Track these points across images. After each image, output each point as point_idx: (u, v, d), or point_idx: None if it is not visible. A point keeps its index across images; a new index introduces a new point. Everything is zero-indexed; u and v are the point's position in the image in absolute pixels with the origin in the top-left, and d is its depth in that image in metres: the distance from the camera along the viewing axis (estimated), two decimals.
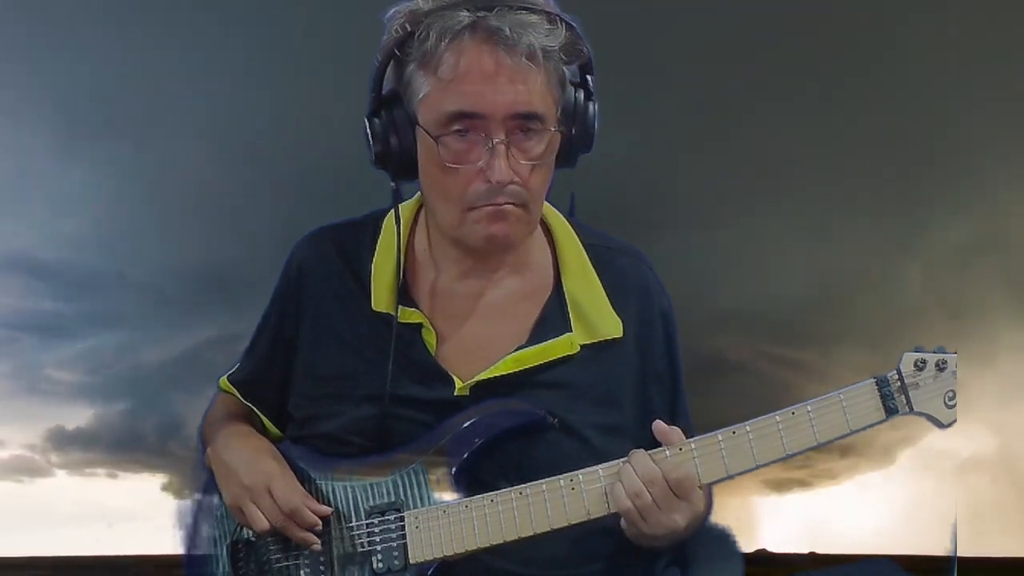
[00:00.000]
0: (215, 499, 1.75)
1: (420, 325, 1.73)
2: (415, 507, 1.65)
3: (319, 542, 1.66)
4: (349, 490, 1.68)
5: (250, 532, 1.71)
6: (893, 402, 1.57)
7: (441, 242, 1.75)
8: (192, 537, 1.80)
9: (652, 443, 1.61)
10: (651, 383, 1.76)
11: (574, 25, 1.64)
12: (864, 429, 1.59)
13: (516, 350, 1.71)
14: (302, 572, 1.67)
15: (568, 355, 1.71)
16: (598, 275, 1.77)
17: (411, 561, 1.63)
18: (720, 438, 1.60)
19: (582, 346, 1.72)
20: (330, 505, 1.68)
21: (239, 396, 1.86)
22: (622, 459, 1.60)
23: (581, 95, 1.69)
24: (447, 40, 1.60)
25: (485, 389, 1.69)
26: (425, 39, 1.61)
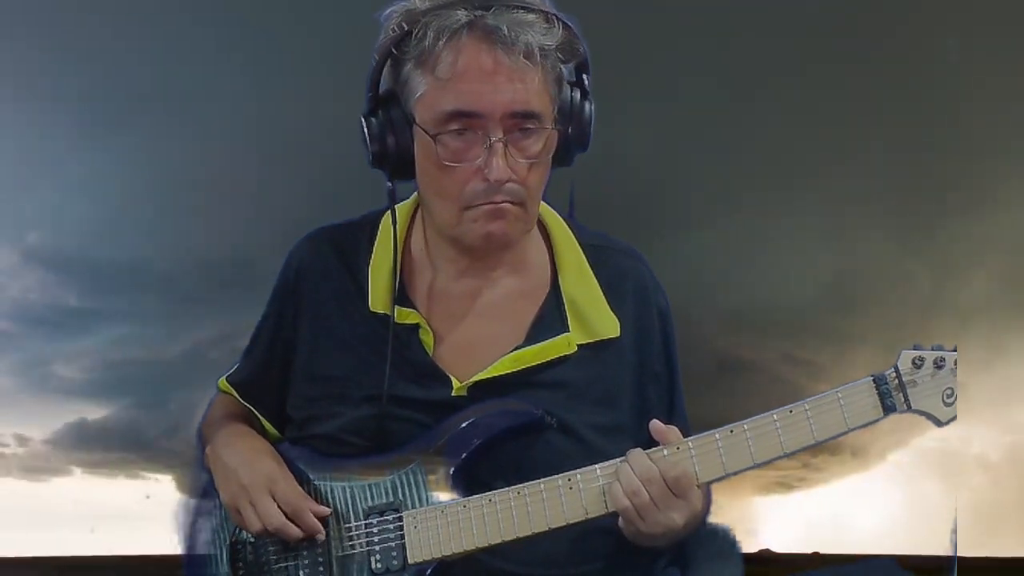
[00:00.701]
0: (215, 500, 1.75)
1: (417, 325, 1.73)
2: (413, 507, 1.65)
3: (318, 543, 1.66)
4: (347, 490, 1.68)
5: (249, 533, 1.71)
6: (891, 400, 1.57)
7: (438, 242, 1.75)
8: (192, 537, 1.80)
9: (650, 442, 1.61)
10: (649, 382, 1.76)
11: (570, 25, 1.65)
12: (862, 427, 1.59)
13: (513, 350, 1.71)
14: (301, 572, 1.67)
15: (565, 355, 1.71)
16: (595, 275, 1.77)
17: (409, 561, 1.63)
18: (718, 437, 1.59)
19: (579, 346, 1.72)
20: (329, 506, 1.67)
21: (238, 397, 1.86)
22: (620, 458, 1.60)
23: (578, 94, 1.69)
24: (445, 39, 1.60)
25: (483, 389, 1.69)
26: (423, 38, 1.61)
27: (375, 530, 1.65)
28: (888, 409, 1.57)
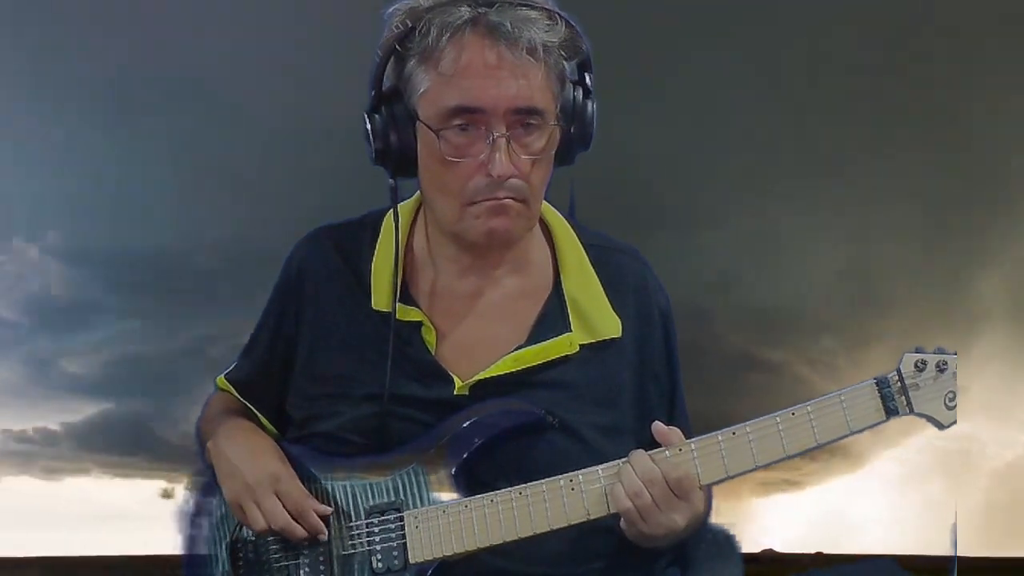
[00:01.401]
0: (215, 499, 1.75)
1: (419, 323, 1.72)
2: (415, 507, 1.64)
3: (319, 542, 1.66)
4: (349, 489, 1.68)
5: (250, 531, 1.71)
6: (893, 403, 1.57)
7: (440, 240, 1.74)
8: (192, 537, 1.80)
9: (652, 443, 1.61)
10: (650, 383, 1.76)
11: (573, 23, 1.65)
12: (864, 430, 1.59)
13: (515, 350, 1.70)
14: (302, 571, 1.67)
15: (567, 355, 1.71)
16: (597, 275, 1.77)
17: (411, 561, 1.63)
18: (720, 438, 1.59)
19: (581, 346, 1.71)
20: (330, 505, 1.67)
21: (236, 395, 1.86)
22: (622, 459, 1.60)
23: (580, 93, 1.69)
24: (448, 35, 1.60)
25: (484, 388, 1.69)
26: (426, 34, 1.61)
27: (376, 529, 1.65)
28: (890, 412, 1.57)
